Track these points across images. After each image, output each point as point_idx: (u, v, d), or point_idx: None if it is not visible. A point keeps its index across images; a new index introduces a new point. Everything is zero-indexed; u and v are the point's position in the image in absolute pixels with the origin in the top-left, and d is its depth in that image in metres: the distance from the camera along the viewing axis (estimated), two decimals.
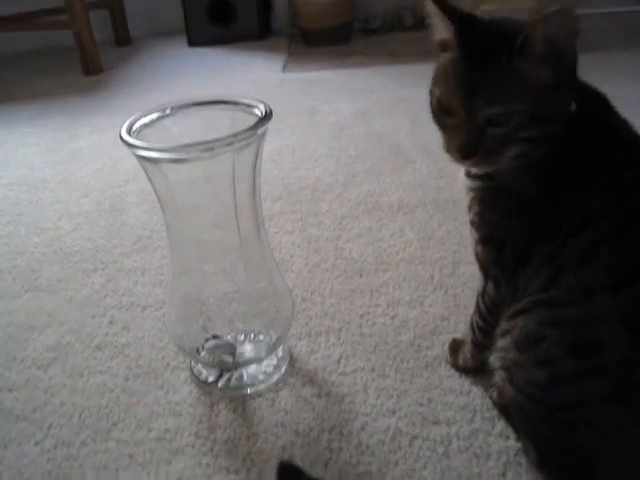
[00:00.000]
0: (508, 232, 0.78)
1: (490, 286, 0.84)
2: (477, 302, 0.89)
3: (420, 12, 3.28)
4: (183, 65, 2.99)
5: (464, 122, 0.69)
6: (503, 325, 0.80)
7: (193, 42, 3.29)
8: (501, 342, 0.80)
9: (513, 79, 0.67)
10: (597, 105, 0.75)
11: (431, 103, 0.75)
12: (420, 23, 3.28)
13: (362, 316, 1.11)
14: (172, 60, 3.09)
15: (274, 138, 1.93)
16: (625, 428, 0.70)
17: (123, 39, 3.45)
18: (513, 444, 0.84)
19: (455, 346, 0.98)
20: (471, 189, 0.80)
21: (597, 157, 0.71)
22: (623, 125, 0.75)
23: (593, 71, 2.42)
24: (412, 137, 1.85)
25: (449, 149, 0.73)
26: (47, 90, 2.71)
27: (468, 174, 0.80)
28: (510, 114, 0.67)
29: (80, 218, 1.57)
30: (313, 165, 1.74)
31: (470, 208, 0.82)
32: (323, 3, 3.04)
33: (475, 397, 0.93)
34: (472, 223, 0.83)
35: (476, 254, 0.85)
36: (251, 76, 2.70)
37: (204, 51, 3.20)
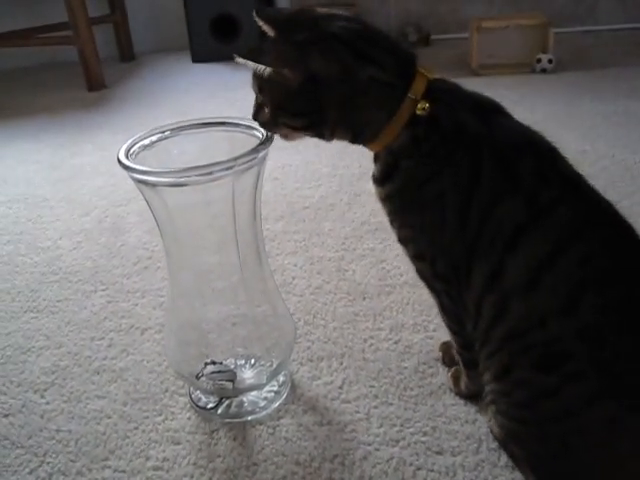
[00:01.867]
0: (431, 246, 0.80)
1: (445, 300, 0.84)
2: (444, 322, 0.89)
3: (425, 29, 3.28)
4: (187, 81, 2.98)
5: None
6: (483, 364, 0.80)
7: (197, 58, 3.29)
8: (485, 376, 0.80)
9: (267, 75, 0.77)
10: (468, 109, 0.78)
11: None
12: (424, 40, 3.28)
13: (365, 341, 1.09)
14: (176, 76, 3.09)
15: (277, 156, 1.92)
16: (620, 419, 0.69)
17: (127, 55, 3.45)
18: (519, 476, 0.82)
19: (458, 374, 0.96)
20: (381, 199, 0.83)
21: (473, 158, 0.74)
22: (509, 129, 0.79)
23: (601, 87, 2.40)
24: None
25: None
26: (49, 106, 2.71)
27: (372, 178, 0.84)
28: (264, 100, 0.81)
29: (80, 237, 1.55)
30: (316, 184, 1.73)
31: (392, 224, 0.84)
32: None
33: (481, 426, 0.90)
34: (399, 241, 0.85)
35: (415, 271, 0.86)
36: None
37: (208, 67, 3.20)
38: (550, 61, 2.62)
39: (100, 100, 2.76)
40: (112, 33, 3.42)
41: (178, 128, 0.85)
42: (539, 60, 2.63)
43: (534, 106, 2.23)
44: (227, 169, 0.73)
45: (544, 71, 2.63)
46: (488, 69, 2.69)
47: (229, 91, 2.74)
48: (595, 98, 2.25)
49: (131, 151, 0.80)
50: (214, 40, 3.23)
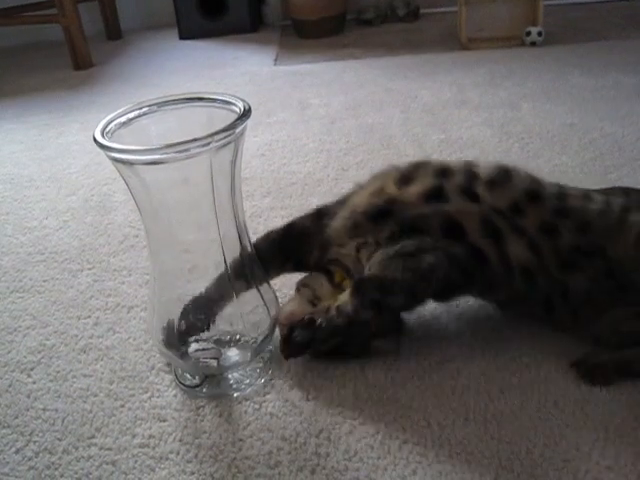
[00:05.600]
0: None
1: None
2: None
3: (414, 2, 3.25)
4: (174, 59, 2.96)
5: None
6: None
7: (184, 35, 3.26)
8: None
9: None
10: None
11: None
12: (413, 14, 3.25)
13: None
14: (163, 54, 3.07)
15: (264, 132, 1.91)
16: None
17: (114, 33, 3.42)
18: (506, 448, 0.82)
19: None
20: None
21: None
22: None
23: (591, 60, 2.39)
24: (404, 129, 1.82)
25: None
26: (35, 85, 2.69)
27: None
28: None
29: (67, 216, 1.54)
30: (303, 159, 1.72)
31: None
32: None
33: (468, 400, 0.90)
34: None
35: None
36: (242, 69, 2.67)
37: (195, 44, 3.18)
38: (540, 34, 2.60)
39: (87, 79, 2.74)
40: (98, 10, 3.38)
41: (155, 104, 0.84)
42: (529, 33, 2.61)
43: (524, 80, 2.22)
44: (204, 145, 0.73)
45: (534, 44, 2.61)
46: (477, 43, 2.67)
47: (216, 68, 2.73)
48: (585, 71, 2.24)
49: (107, 129, 0.79)
50: (201, 17, 3.20)
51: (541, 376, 0.94)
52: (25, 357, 1.08)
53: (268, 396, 0.94)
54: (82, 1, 3.04)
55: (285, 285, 1.17)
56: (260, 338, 0.94)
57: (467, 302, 1.08)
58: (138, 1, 3.55)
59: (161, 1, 3.45)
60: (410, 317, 1.06)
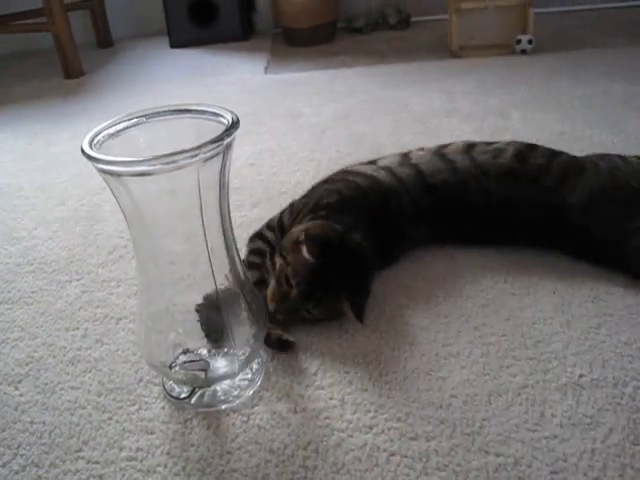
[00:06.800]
0: None
1: None
2: None
3: (405, 10, 3.26)
4: (165, 67, 2.96)
5: None
6: None
7: (175, 43, 3.27)
8: None
9: None
10: None
11: None
12: (405, 22, 3.26)
13: (340, 327, 1.09)
14: (154, 62, 3.07)
15: (254, 141, 1.91)
16: None
17: (104, 41, 3.42)
18: (493, 460, 0.82)
19: None
20: None
21: None
22: None
23: (581, 68, 2.40)
24: (393, 138, 1.83)
25: None
26: (25, 94, 2.68)
27: None
28: None
29: (56, 226, 1.54)
30: (293, 169, 1.72)
31: None
32: (306, 2, 3.01)
33: (455, 411, 0.90)
34: None
35: None
36: (233, 78, 2.67)
37: (186, 52, 3.18)
38: (530, 42, 2.61)
39: (78, 87, 2.73)
40: (89, 19, 3.38)
41: (144, 116, 0.84)
42: (519, 41, 2.62)
43: (514, 88, 2.23)
44: (192, 157, 0.72)
45: (524, 52, 2.63)
46: (468, 51, 2.68)
47: (207, 77, 2.73)
48: (574, 79, 2.25)
49: (95, 140, 0.79)
50: (192, 25, 3.21)
51: (529, 385, 0.94)
52: (13, 369, 1.07)
53: (256, 408, 0.94)
54: (73, 9, 3.04)
55: None
56: (248, 350, 0.94)
57: (454, 306, 1.08)
58: (129, 9, 3.56)
59: (152, 9, 3.45)
60: (395, 326, 1.06)
